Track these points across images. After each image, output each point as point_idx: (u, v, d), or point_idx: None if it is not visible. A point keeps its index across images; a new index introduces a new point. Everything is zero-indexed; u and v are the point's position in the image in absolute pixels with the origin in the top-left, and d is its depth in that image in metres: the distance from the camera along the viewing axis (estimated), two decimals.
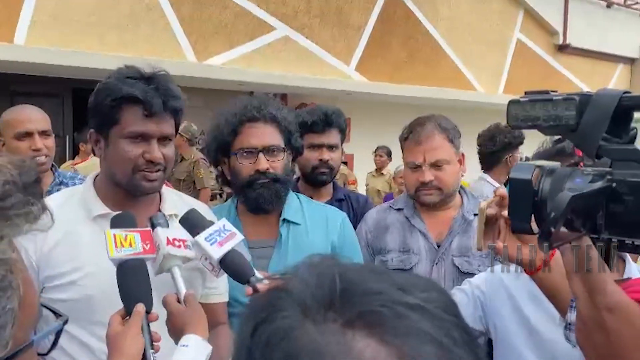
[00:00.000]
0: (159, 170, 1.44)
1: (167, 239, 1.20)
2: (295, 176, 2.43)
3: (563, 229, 0.65)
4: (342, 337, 0.43)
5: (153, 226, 1.24)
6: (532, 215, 0.70)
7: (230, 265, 1.22)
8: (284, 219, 1.82)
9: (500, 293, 1.53)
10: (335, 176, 2.44)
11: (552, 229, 0.62)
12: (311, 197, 2.07)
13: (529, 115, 0.75)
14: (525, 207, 0.70)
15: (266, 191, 1.75)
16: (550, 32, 9.99)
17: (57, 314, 0.67)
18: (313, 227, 1.85)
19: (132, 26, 6.37)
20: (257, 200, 1.76)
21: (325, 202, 2.20)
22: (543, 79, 9.69)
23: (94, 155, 2.06)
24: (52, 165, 2.78)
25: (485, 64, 9.24)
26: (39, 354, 0.65)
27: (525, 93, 0.77)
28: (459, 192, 2.05)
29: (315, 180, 2.36)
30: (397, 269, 1.93)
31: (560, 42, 9.96)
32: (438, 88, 8.47)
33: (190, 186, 6.10)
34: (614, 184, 0.66)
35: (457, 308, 0.50)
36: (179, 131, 7.20)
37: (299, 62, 7.50)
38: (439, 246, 1.95)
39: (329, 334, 0.43)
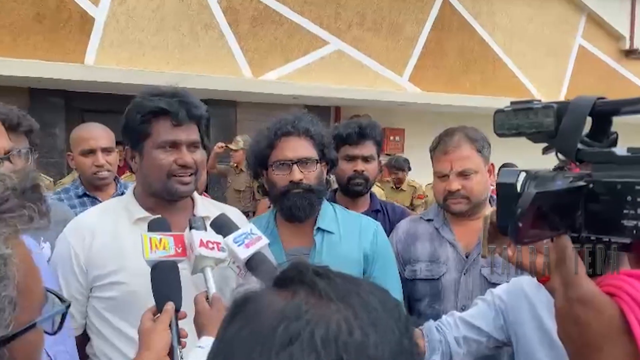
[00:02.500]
0: (191, 174, 1.57)
1: (201, 241, 1.28)
2: (333, 187, 2.51)
3: (545, 228, 0.68)
4: (275, 293, 0.61)
5: (191, 228, 1.32)
6: None
7: (255, 266, 1.29)
8: (319, 228, 1.90)
9: (521, 303, 1.52)
10: (371, 187, 2.47)
11: (519, 224, 0.66)
12: (348, 208, 2.13)
13: (512, 123, 0.78)
14: (510, 209, 0.72)
15: (300, 200, 1.84)
16: (616, 37, 9.56)
17: (62, 299, 0.76)
18: (346, 236, 1.91)
19: (192, 45, 6.68)
20: (291, 209, 1.85)
21: (363, 213, 2.24)
22: (608, 86, 9.26)
23: (131, 171, 2.21)
24: (115, 177, 2.99)
25: (545, 72, 8.96)
26: (47, 333, 0.74)
27: (511, 103, 0.81)
28: (489, 201, 2.04)
29: (350, 191, 2.40)
30: (426, 279, 1.97)
31: (627, 47, 9.51)
32: (494, 97, 8.29)
33: (250, 196, 6.21)
34: (591, 185, 0.68)
35: (388, 304, 0.59)
36: (241, 145, 7.28)
37: (352, 74, 7.58)
38: (467, 256, 1.96)
39: (270, 294, 0.62)
